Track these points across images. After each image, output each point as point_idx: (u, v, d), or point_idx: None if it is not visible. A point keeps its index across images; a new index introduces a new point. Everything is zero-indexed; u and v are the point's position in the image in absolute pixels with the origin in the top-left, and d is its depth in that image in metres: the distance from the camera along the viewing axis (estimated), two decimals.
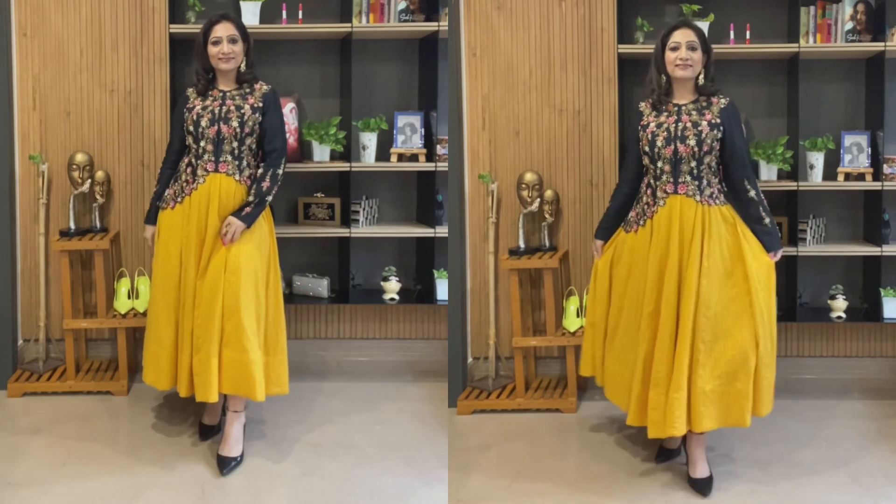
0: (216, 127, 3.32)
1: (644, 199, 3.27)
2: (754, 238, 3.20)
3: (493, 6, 4.05)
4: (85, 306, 4.08)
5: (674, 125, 3.18)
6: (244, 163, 3.36)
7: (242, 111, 3.34)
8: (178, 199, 3.36)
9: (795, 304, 4.00)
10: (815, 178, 3.97)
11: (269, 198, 3.35)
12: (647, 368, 3.18)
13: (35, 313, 4.07)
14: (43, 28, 4.01)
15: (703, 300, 3.09)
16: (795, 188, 3.94)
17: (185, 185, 3.36)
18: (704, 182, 3.18)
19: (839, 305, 3.99)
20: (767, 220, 3.19)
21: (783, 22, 4.05)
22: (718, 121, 3.17)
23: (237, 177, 3.34)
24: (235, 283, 3.22)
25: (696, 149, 3.14)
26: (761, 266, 3.17)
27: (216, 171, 3.32)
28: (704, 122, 3.16)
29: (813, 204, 4.07)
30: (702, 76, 3.21)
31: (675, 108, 3.21)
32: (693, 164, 3.15)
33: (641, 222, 3.26)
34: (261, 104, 3.37)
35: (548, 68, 4.05)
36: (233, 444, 3.30)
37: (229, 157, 3.33)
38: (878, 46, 3.86)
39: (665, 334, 3.13)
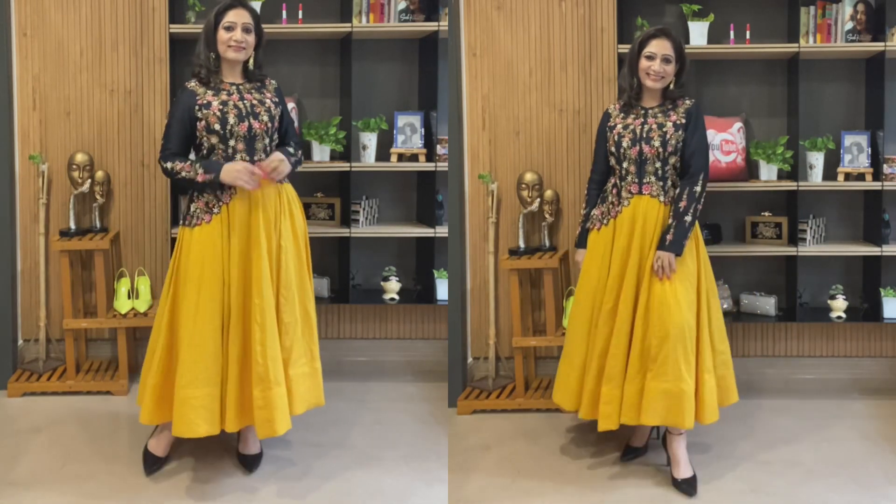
0: (247, 123, 3.06)
1: (609, 198, 3.31)
2: (700, 239, 3.26)
3: (493, 6, 4.05)
4: (85, 306, 4.08)
5: (639, 127, 3.23)
6: None
7: (267, 105, 3.13)
8: (215, 210, 3.06)
9: (795, 304, 4.00)
10: (815, 178, 3.97)
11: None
12: (601, 365, 3.24)
13: (35, 313, 4.07)
14: (43, 28, 4.01)
15: (659, 298, 3.11)
16: (795, 188, 3.94)
17: (219, 192, 3.06)
18: (669, 183, 3.22)
19: (839, 305, 3.99)
20: (689, 220, 3.14)
21: (783, 22, 4.05)
22: (683, 121, 3.20)
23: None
24: (292, 298, 3.12)
25: (660, 150, 3.19)
26: (708, 268, 3.26)
27: None
28: (669, 124, 3.20)
29: (813, 204, 4.07)
30: (672, 84, 3.23)
31: (643, 112, 3.26)
32: (658, 164, 3.20)
33: (605, 221, 3.30)
34: (277, 99, 3.20)
35: (548, 68, 4.05)
36: (254, 440, 3.30)
37: (263, 156, 3.10)
38: (878, 46, 3.86)
39: (621, 331, 3.19)
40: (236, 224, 3.06)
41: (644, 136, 3.21)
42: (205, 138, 3.09)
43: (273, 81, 3.26)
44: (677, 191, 3.19)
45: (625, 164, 3.24)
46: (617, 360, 3.19)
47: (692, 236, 3.19)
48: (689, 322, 3.13)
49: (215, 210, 3.07)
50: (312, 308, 3.25)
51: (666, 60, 3.18)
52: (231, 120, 3.06)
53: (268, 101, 3.15)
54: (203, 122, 3.06)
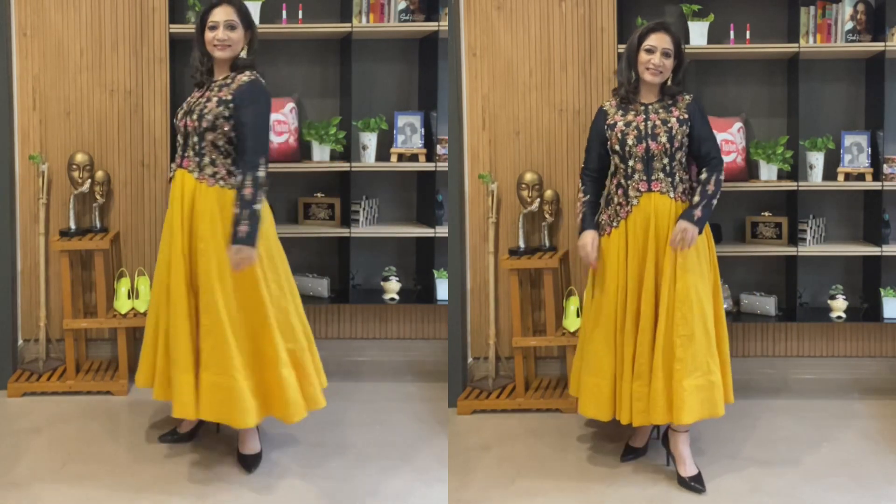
0: (185, 121, 3.13)
1: (615, 199, 3.26)
2: (710, 232, 3.26)
3: (493, 6, 4.05)
4: (85, 306, 4.08)
5: (643, 123, 3.19)
6: (206, 160, 3.09)
7: (209, 104, 3.08)
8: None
9: (795, 304, 4.00)
10: (815, 178, 3.97)
11: (258, 206, 3.00)
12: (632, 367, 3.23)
13: (35, 313, 4.07)
14: (43, 28, 4.01)
15: (681, 296, 3.11)
16: (795, 188, 3.94)
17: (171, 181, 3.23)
18: (677, 178, 3.21)
19: (839, 305, 3.99)
20: (714, 203, 3.15)
21: (783, 22, 4.05)
22: (686, 116, 3.20)
23: (196, 174, 3.09)
24: (212, 303, 3.05)
25: (667, 145, 3.16)
26: (714, 260, 3.27)
27: (181, 167, 3.14)
28: (673, 119, 3.18)
29: (813, 204, 4.07)
30: (669, 80, 3.22)
31: (643, 108, 3.23)
32: (665, 160, 3.18)
33: (615, 224, 3.24)
34: (230, 97, 3.06)
35: (548, 68, 4.05)
36: (252, 440, 3.30)
37: (191, 153, 3.11)
38: (878, 46, 3.86)
39: (646, 329, 3.17)
40: (175, 216, 3.15)
41: (649, 132, 3.18)
42: None
43: (245, 78, 3.11)
44: (704, 175, 3.18)
45: (631, 163, 3.20)
46: (645, 357, 3.17)
47: (705, 233, 3.20)
48: (708, 315, 3.16)
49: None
50: (265, 316, 3.08)
51: (665, 54, 3.17)
52: (178, 117, 3.18)
53: (214, 99, 3.08)
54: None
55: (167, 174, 3.93)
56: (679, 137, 3.17)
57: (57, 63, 4.03)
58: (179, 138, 3.19)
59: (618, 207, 3.25)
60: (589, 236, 3.29)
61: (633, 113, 3.23)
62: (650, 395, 3.16)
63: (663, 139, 3.16)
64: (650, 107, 3.22)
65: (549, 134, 4.07)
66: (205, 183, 3.09)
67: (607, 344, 3.26)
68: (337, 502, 3.08)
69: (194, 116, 3.09)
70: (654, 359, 3.15)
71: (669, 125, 3.18)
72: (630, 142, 3.19)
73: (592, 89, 4.03)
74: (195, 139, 3.10)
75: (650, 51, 3.17)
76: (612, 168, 3.30)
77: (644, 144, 3.17)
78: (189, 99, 3.21)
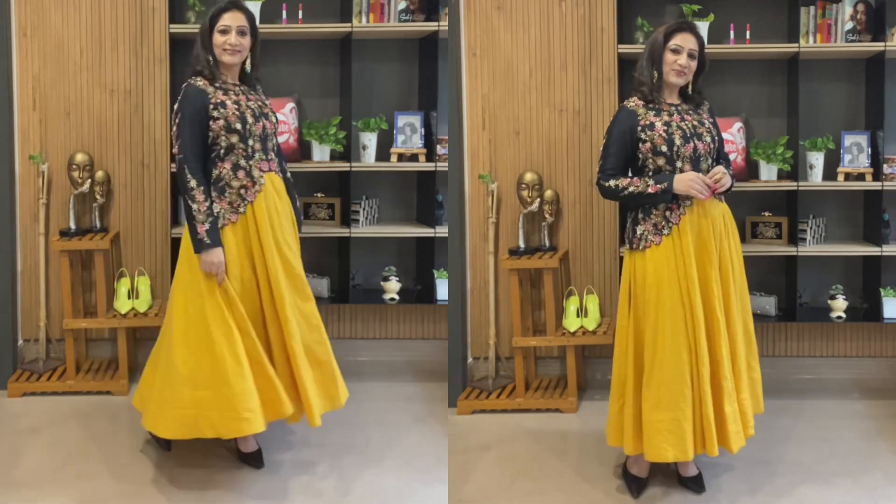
0: (261, 123, 3.10)
1: (659, 207, 3.04)
2: (737, 232, 3.23)
3: (493, 6, 4.05)
4: (85, 306, 4.08)
5: (682, 123, 3.06)
6: (279, 158, 3.24)
7: (269, 107, 3.22)
8: (241, 210, 3.07)
9: (795, 304, 4.00)
10: (815, 178, 3.97)
11: None
12: (715, 387, 3.03)
13: (35, 313, 4.07)
14: (43, 28, 4.01)
15: (734, 302, 3.09)
16: (795, 188, 3.94)
17: (243, 191, 3.06)
18: None
19: (839, 305, 3.99)
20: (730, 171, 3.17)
21: (783, 22, 4.05)
22: (712, 119, 3.16)
23: (280, 175, 3.19)
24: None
25: (711, 145, 3.08)
26: (741, 261, 3.24)
27: (269, 170, 3.12)
28: (706, 121, 3.12)
29: (813, 204, 4.07)
30: (690, 84, 3.12)
31: (673, 108, 3.10)
32: (710, 161, 3.08)
33: (665, 231, 3.02)
34: (269, 101, 3.28)
35: (548, 68, 4.05)
36: (250, 438, 3.30)
37: (272, 155, 3.15)
38: (878, 46, 3.86)
39: (723, 340, 3.03)
40: (262, 221, 3.09)
41: (694, 132, 3.05)
42: (223, 137, 3.05)
43: (259, 86, 3.30)
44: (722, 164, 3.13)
45: (678, 164, 3.01)
46: (730, 371, 3.03)
47: (737, 233, 3.19)
48: (748, 315, 3.19)
49: (241, 210, 3.08)
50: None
51: (691, 56, 3.05)
52: (249, 119, 3.08)
53: (268, 104, 3.23)
54: (222, 121, 3.04)
55: (167, 174, 4.01)
56: (717, 138, 3.12)
57: (57, 63, 4.03)
58: (253, 143, 3.09)
59: (666, 213, 3.03)
60: (688, 173, 3.00)
61: (666, 113, 3.07)
62: (741, 408, 3.07)
63: (708, 139, 3.07)
64: (679, 108, 3.11)
65: (549, 134, 4.07)
66: (280, 179, 3.21)
67: (680, 370, 2.98)
68: (337, 502, 3.08)
69: (272, 118, 3.18)
70: (737, 369, 3.07)
71: (707, 126, 3.09)
72: (678, 141, 3.01)
73: (592, 89, 4.03)
74: (274, 140, 3.19)
75: (676, 51, 3.04)
76: (645, 171, 3.08)
77: (692, 144, 3.03)
78: (233, 100, 3.08)
